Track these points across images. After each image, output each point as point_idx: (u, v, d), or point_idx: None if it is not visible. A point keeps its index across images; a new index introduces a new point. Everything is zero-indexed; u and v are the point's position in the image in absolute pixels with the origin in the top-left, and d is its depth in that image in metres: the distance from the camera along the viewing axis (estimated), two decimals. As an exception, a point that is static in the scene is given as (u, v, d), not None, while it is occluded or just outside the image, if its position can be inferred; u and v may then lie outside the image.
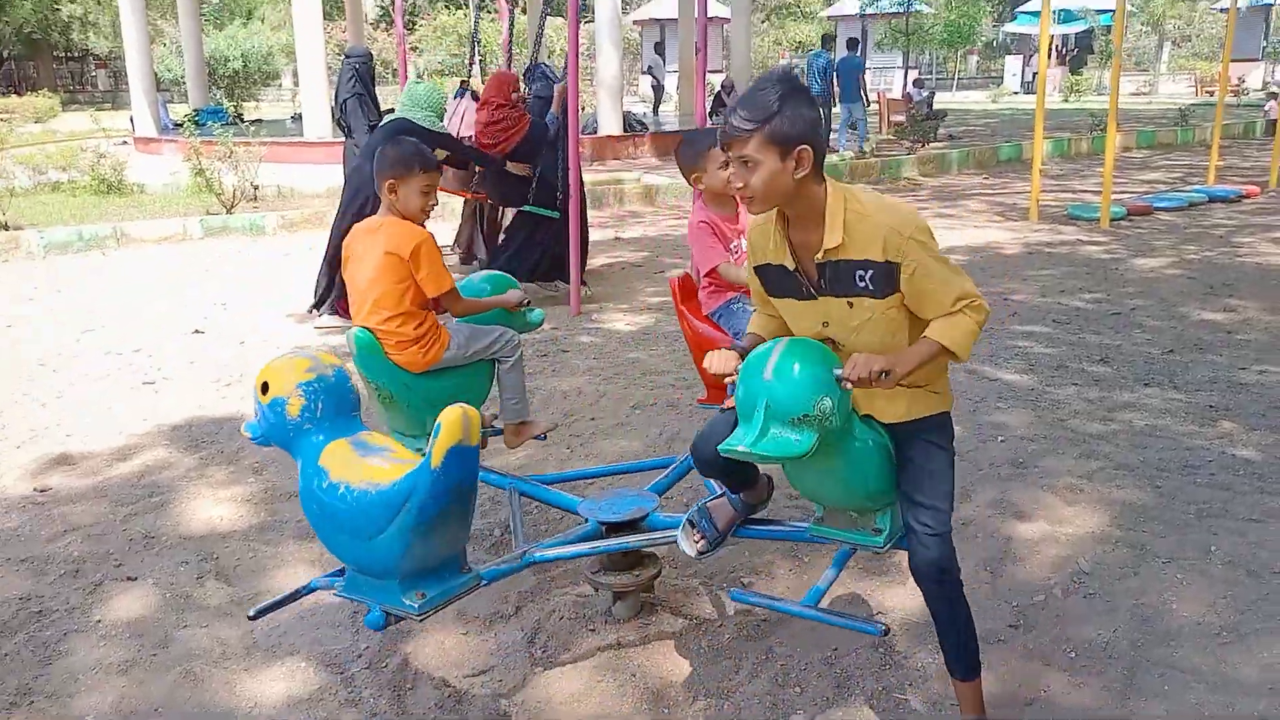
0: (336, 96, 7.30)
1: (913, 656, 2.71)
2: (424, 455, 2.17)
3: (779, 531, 2.73)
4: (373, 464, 2.29)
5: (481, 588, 2.52)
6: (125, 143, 17.23)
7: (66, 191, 11.77)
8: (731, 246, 3.21)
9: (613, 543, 2.82)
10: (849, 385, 2.07)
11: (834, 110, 15.19)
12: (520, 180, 6.71)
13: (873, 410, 2.29)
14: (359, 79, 7.50)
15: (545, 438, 3.76)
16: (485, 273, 3.52)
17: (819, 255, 2.16)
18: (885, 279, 2.12)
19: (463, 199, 7.82)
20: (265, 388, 2.35)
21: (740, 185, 2.13)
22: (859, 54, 15.94)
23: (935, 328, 2.14)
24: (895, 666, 2.67)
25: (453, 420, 2.14)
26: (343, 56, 7.75)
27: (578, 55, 5.80)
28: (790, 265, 2.23)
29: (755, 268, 2.33)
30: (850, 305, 2.19)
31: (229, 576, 3.22)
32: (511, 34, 9.21)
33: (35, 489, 3.85)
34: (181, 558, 3.31)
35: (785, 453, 2.06)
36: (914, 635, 2.79)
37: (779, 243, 2.23)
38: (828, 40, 16.01)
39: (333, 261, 6.05)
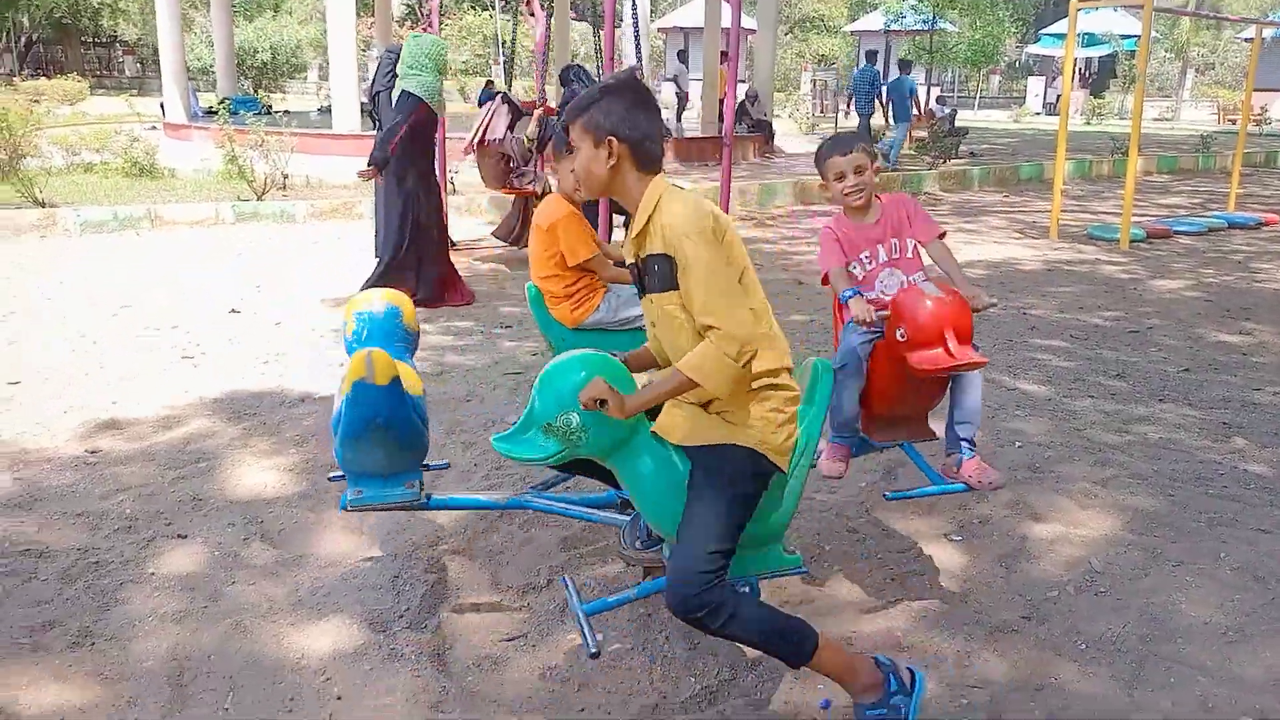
0: (371, 87, 7.46)
1: (929, 643, 2.82)
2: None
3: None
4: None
5: (425, 509, 2.96)
6: (155, 128, 17.43)
7: (100, 173, 11.96)
8: (862, 256, 3.10)
9: (608, 515, 3.02)
10: (584, 406, 2.17)
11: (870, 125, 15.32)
12: None
13: (658, 427, 2.34)
14: (395, 74, 7.65)
15: None
16: None
17: (634, 247, 2.33)
18: (667, 273, 2.21)
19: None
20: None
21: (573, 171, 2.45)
22: (910, 74, 16.13)
23: (684, 356, 2.20)
24: (911, 650, 2.78)
25: (356, 360, 2.58)
26: (383, 51, 7.92)
27: (613, 62, 5.94)
28: (628, 259, 2.40)
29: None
30: (651, 301, 2.32)
31: (274, 539, 3.35)
32: (548, 39, 9.37)
33: (86, 450, 4.00)
34: (229, 519, 3.46)
35: (523, 455, 2.24)
36: (930, 624, 2.90)
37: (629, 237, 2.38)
38: (872, 56, 16.18)
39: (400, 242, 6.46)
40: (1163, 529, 3.50)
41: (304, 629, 2.84)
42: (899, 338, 2.85)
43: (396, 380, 2.61)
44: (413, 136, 6.31)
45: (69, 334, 5.73)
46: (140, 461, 3.91)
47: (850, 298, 2.98)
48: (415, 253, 6.50)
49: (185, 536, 3.33)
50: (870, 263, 3.11)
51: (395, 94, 6.42)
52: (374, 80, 7.80)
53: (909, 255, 3.10)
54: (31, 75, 32.20)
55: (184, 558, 3.19)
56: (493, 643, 2.81)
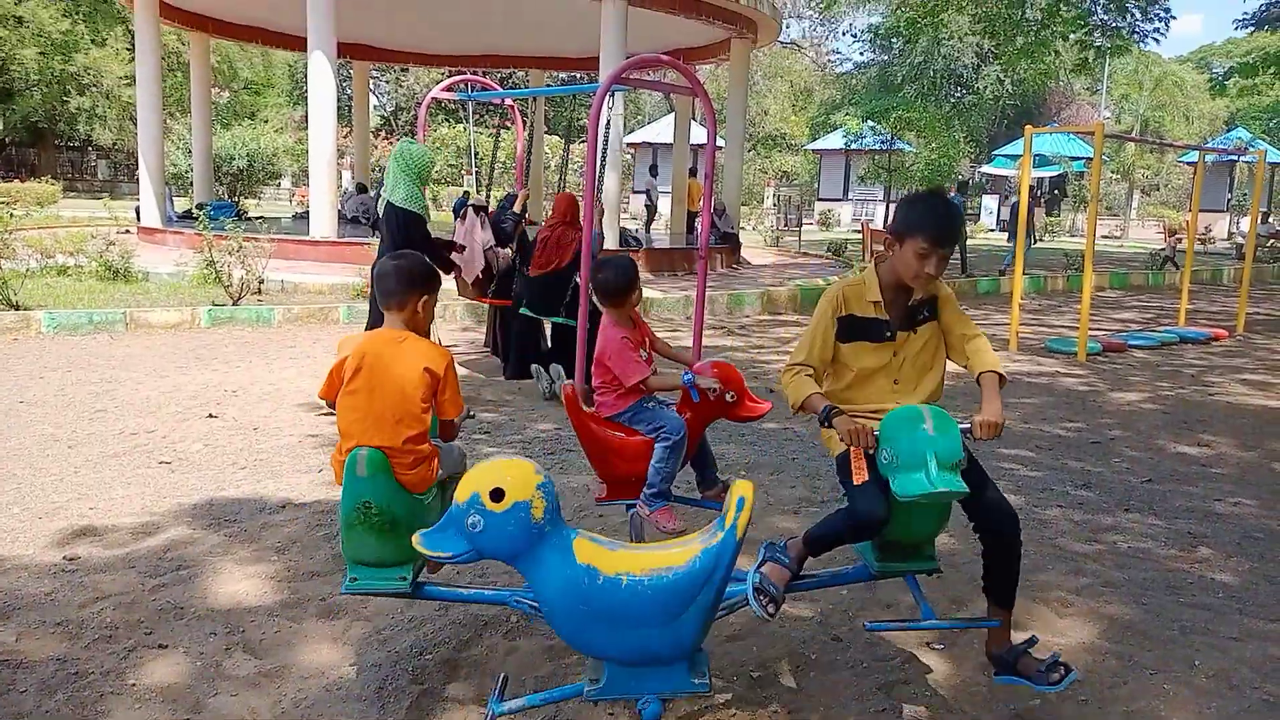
0: (378, 200, 7.76)
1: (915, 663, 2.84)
2: (724, 530, 2.40)
3: (844, 575, 3.19)
4: (641, 553, 2.46)
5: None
6: (128, 231, 17.57)
7: (74, 276, 12.00)
8: (641, 356, 3.85)
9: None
10: (977, 437, 2.75)
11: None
12: (554, 290, 7.09)
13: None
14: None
15: None
16: None
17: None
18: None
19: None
20: (498, 494, 2.32)
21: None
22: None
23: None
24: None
25: (751, 490, 2.42)
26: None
27: (593, 176, 6.17)
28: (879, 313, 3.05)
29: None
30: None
31: (255, 649, 3.32)
32: (529, 151, 9.69)
33: (64, 557, 3.95)
34: (210, 629, 3.42)
35: (956, 489, 2.58)
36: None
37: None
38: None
39: None
40: (1138, 637, 3.57)
41: (289, 742, 2.80)
42: (728, 399, 3.79)
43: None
44: (409, 244, 6.35)
45: (43, 437, 5.69)
46: (119, 569, 3.87)
47: (689, 380, 3.78)
48: None
49: (166, 646, 3.28)
50: (648, 359, 3.92)
51: (382, 205, 6.59)
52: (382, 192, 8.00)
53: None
54: (3, 178, 32.43)
55: (165, 668, 3.15)
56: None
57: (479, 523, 2.31)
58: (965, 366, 3.05)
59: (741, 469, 5.55)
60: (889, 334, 3.01)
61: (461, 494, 2.37)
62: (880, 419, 2.79)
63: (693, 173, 21.79)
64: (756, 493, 2.51)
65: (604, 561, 2.35)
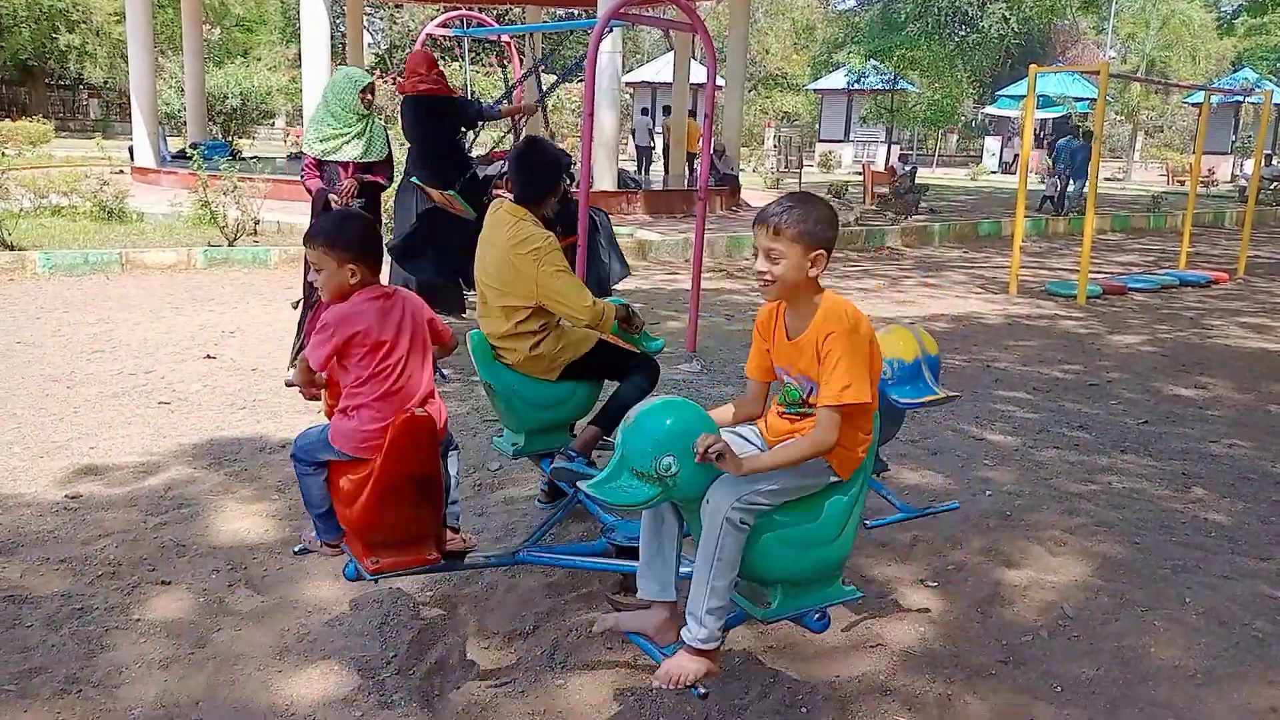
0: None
1: (912, 686, 2.89)
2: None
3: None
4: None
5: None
6: (122, 171, 17.38)
7: (68, 216, 11.91)
8: None
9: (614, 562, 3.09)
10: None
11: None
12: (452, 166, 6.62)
13: None
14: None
15: None
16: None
17: None
18: None
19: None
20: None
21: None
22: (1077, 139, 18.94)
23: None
24: (894, 693, 2.85)
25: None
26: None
27: (592, 115, 6.07)
28: None
29: None
30: None
31: (258, 585, 3.35)
32: (524, 81, 9.55)
33: (66, 496, 3.98)
34: (212, 566, 3.45)
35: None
36: (912, 668, 2.98)
37: None
38: (1074, 130, 20.08)
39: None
40: (1130, 575, 3.62)
41: (292, 676, 2.84)
42: None
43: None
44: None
45: (42, 378, 5.69)
46: (122, 507, 3.90)
47: None
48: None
49: (169, 582, 3.32)
50: None
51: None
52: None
53: None
54: (-6, 117, 32.00)
55: (169, 604, 3.19)
56: (482, 689, 2.84)
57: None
58: None
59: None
60: None
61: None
62: None
63: (691, 114, 21.51)
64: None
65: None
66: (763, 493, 2.38)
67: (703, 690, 2.45)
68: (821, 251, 2.45)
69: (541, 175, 3.69)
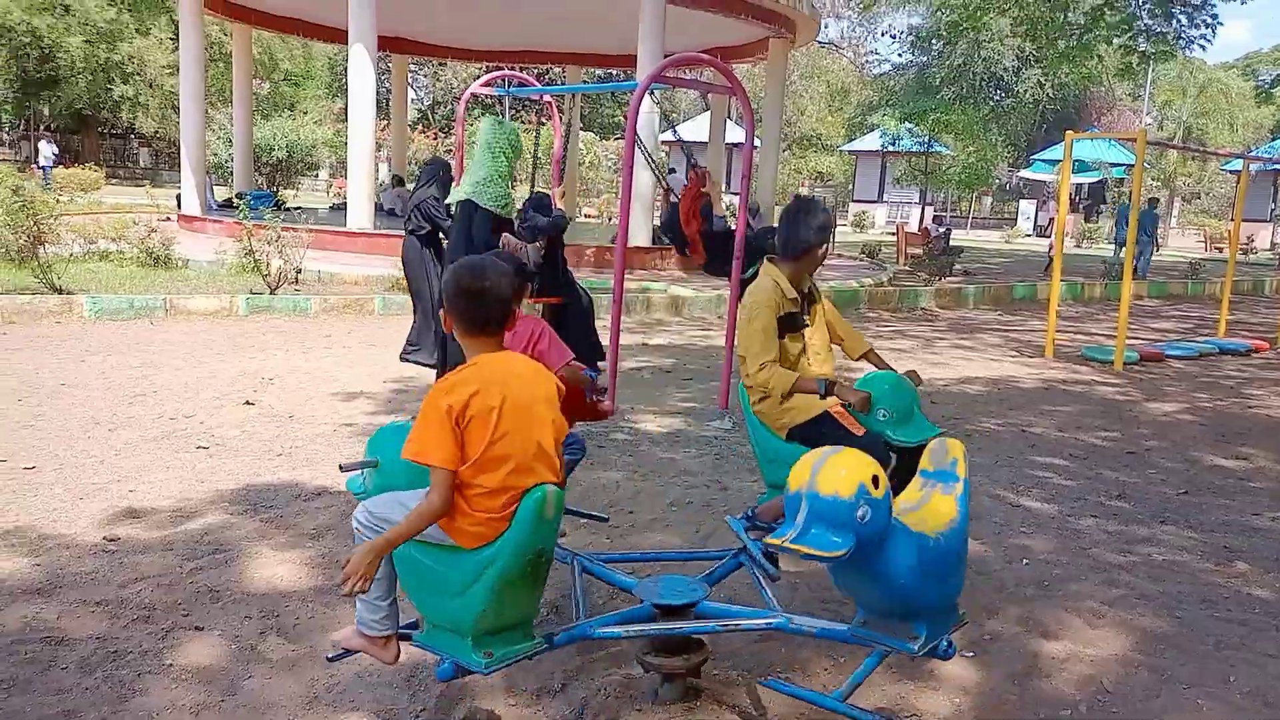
0: (413, 196, 7.74)
1: (947, 757, 2.83)
2: (958, 480, 2.72)
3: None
4: (923, 512, 2.64)
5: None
6: (169, 219, 17.82)
7: (115, 261, 12.20)
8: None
9: (667, 626, 2.99)
10: (918, 384, 3.60)
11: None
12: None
13: None
14: (439, 184, 7.81)
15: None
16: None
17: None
18: None
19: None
20: (876, 480, 2.40)
21: None
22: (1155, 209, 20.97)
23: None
24: (930, 765, 2.79)
25: (962, 449, 2.78)
26: (425, 163, 8.19)
27: (630, 173, 6.16)
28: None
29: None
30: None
31: (289, 634, 3.36)
32: (566, 145, 9.71)
33: (104, 538, 4.03)
34: (245, 612, 3.47)
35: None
36: (948, 737, 2.92)
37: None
38: (1154, 202, 22.02)
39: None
40: (1172, 651, 3.53)
41: (321, 726, 2.84)
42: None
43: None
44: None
45: (85, 420, 5.80)
46: (158, 551, 3.94)
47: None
48: None
49: (203, 628, 3.34)
50: None
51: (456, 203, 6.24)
52: (415, 189, 7.97)
53: None
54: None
55: (202, 650, 3.20)
56: (509, 746, 2.81)
57: (867, 513, 2.34)
58: (841, 345, 3.98)
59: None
60: (804, 322, 3.80)
61: (834, 487, 2.34)
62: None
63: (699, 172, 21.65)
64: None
65: (922, 526, 2.55)
66: None
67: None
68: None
69: None
